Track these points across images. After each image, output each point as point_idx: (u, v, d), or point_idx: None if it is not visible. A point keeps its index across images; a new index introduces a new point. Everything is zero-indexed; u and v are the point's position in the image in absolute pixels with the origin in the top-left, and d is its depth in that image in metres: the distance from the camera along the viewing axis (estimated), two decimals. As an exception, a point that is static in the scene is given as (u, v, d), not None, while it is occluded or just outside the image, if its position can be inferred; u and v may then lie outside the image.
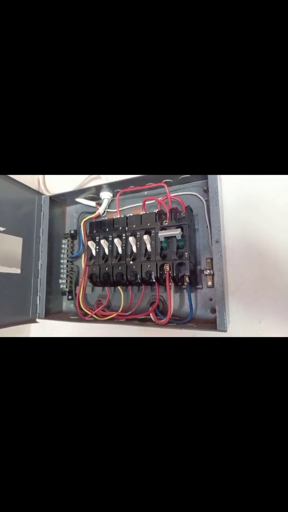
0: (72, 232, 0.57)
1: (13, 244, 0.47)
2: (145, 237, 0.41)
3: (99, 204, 0.53)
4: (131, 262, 0.42)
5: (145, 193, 0.50)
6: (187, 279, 0.41)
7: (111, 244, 0.45)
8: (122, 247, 0.43)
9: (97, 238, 0.46)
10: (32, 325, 0.60)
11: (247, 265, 0.41)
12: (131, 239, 0.42)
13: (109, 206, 0.53)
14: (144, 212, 0.45)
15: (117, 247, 0.44)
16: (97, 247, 0.46)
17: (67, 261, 0.55)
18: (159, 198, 0.44)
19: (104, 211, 0.53)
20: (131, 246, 0.43)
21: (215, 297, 0.43)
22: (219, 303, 0.36)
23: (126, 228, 0.44)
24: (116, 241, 0.43)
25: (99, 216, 0.53)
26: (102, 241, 0.44)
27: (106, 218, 0.48)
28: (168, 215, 0.42)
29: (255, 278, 0.40)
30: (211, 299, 0.43)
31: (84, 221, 0.54)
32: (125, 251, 0.43)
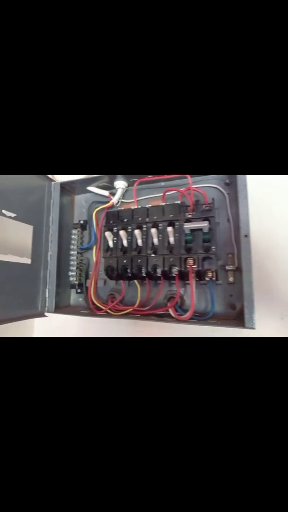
0: (81, 222, 0.54)
1: (24, 232, 0.44)
2: (169, 229, 0.39)
3: (113, 194, 0.51)
4: (153, 255, 0.41)
5: (162, 183, 0.48)
6: (209, 274, 0.39)
7: (131, 235, 0.42)
8: (142, 239, 0.41)
9: (115, 228, 0.44)
10: (36, 321, 0.58)
11: (270, 261, 0.40)
12: (153, 230, 0.40)
13: (123, 196, 0.51)
14: (164, 203, 0.43)
15: (136, 239, 0.42)
16: (115, 238, 0.44)
17: (77, 253, 0.52)
18: (182, 189, 0.43)
19: (118, 201, 0.51)
20: (152, 238, 0.41)
21: (235, 293, 0.42)
22: (248, 299, 0.35)
23: (147, 219, 0.42)
24: (137, 232, 0.41)
25: (112, 206, 0.51)
26: (121, 232, 0.42)
27: (123, 208, 0.46)
28: (191, 207, 0.41)
29: (278, 275, 0.40)
30: (231, 295, 0.43)
31: (97, 211, 0.51)
32: (146, 243, 0.41)
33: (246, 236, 0.36)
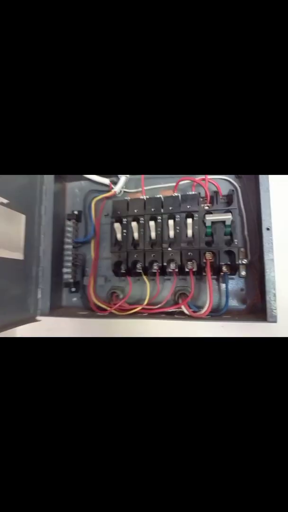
0: (76, 213, 0.48)
1: (16, 223, 0.37)
2: (189, 221, 0.37)
3: (114, 182, 0.46)
4: (169, 249, 0.38)
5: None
6: (224, 269, 0.38)
7: (143, 227, 0.39)
8: (157, 231, 0.38)
9: (125, 220, 0.39)
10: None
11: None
12: (170, 222, 0.37)
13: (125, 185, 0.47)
14: (180, 194, 0.40)
15: (150, 231, 0.38)
16: (124, 231, 0.39)
17: (72, 247, 0.46)
18: (196, 179, 0.41)
19: (121, 191, 0.46)
20: (167, 230, 0.38)
21: (248, 288, 0.41)
22: (270, 292, 0.35)
23: (162, 210, 0.39)
24: (152, 224, 0.37)
25: (114, 196, 0.46)
26: (134, 224, 0.38)
27: (129, 198, 0.42)
28: (208, 198, 0.39)
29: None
30: (242, 290, 0.42)
31: (96, 201, 0.46)
32: (161, 236, 0.38)
33: (268, 229, 0.36)
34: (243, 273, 0.41)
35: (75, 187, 0.50)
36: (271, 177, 0.37)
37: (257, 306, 0.41)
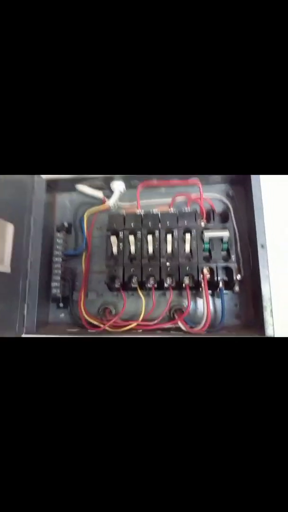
0: (66, 225, 0.46)
1: (3, 233, 0.35)
2: (187, 236, 0.37)
3: (107, 196, 0.46)
4: (168, 263, 0.37)
5: (163, 190, 0.46)
6: (220, 284, 0.39)
7: (141, 241, 0.38)
8: (155, 246, 0.38)
9: (121, 234, 0.39)
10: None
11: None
12: (168, 237, 0.37)
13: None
14: (173, 211, 0.41)
15: (147, 245, 0.38)
16: (121, 244, 0.38)
17: (62, 260, 0.44)
18: (192, 196, 0.41)
19: (115, 205, 0.46)
20: (165, 245, 0.38)
21: (241, 303, 0.42)
22: (266, 308, 0.35)
23: (160, 225, 0.38)
24: (150, 238, 0.37)
25: (108, 209, 0.45)
26: (131, 238, 0.37)
27: (124, 212, 0.41)
28: (205, 215, 0.40)
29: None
30: (236, 305, 0.43)
31: (89, 214, 0.45)
32: (159, 250, 0.38)
33: (263, 246, 0.37)
34: (237, 288, 0.41)
35: (66, 199, 0.49)
36: (264, 193, 0.39)
37: (251, 320, 0.41)
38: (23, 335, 0.38)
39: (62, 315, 0.45)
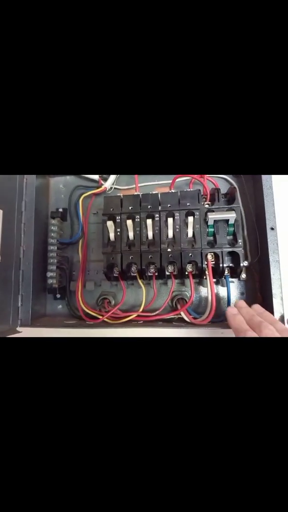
0: (61, 210, 0.44)
1: (-9, 219, 0.32)
2: (190, 219, 0.34)
3: (104, 179, 0.43)
4: (169, 250, 0.34)
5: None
6: (226, 271, 0.36)
7: (139, 226, 0.35)
8: (154, 230, 0.35)
9: (118, 218, 0.36)
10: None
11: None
12: (170, 221, 0.34)
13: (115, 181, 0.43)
14: (172, 191, 0.37)
15: (146, 231, 0.35)
16: (118, 230, 0.36)
17: (57, 248, 0.41)
18: (195, 175, 0.38)
19: (111, 187, 0.43)
20: (166, 229, 0.35)
21: (248, 290, 0.39)
22: (276, 296, 0.33)
23: (159, 208, 0.35)
24: (149, 222, 0.34)
25: (104, 192, 0.42)
26: (129, 222, 0.34)
27: (121, 194, 0.38)
28: (209, 196, 0.36)
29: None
30: (242, 293, 0.40)
31: (84, 198, 0.42)
32: (160, 235, 0.35)
33: (272, 228, 0.34)
34: (244, 276, 0.38)
35: (60, 182, 0.46)
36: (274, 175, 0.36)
37: (258, 310, 0.38)
38: (18, 328, 0.36)
39: (60, 306, 0.43)
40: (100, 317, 0.37)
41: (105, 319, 0.37)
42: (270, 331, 0.23)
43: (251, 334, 0.24)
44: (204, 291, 0.40)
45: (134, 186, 0.41)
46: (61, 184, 0.45)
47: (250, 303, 0.39)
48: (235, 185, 0.40)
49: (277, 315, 0.32)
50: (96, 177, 0.43)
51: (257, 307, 0.30)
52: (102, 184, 0.42)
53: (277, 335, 0.23)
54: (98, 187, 0.42)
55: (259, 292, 0.39)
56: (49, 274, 0.40)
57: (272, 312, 0.33)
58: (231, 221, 0.33)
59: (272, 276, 0.33)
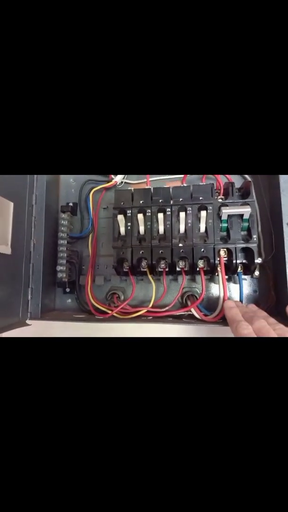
0: (71, 204, 0.43)
1: (2, 211, 0.32)
2: (202, 213, 0.33)
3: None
4: (180, 245, 0.34)
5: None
6: (239, 268, 0.35)
7: (150, 220, 0.35)
8: (166, 225, 0.34)
9: (129, 212, 0.35)
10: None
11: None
12: (182, 215, 0.33)
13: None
14: (184, 185, 0.36)
15: (157, 225, 0.34)
16: (129, 224, 0.35)
17: (67, 243, 0.41)
18: (208, 170, 0.37)
19: (122, 181, 0.42)
20: (178, 224, 0.34)
21: (261, 289, 0.38)
22: (291, 294, 0.31)
23: (171, 202, 0.35)
24: (160, 217, 0.33)
25: (115, 186, 0.42)
26: (140, 216, 0.34)
27: (131, 188, 0.38)
28: (222, 190, 0.35)
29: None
30: (255, 291, 0.39)
31: (94, 192, 0.42)
32: (171, 230, 0.34)
33: (288, 224, 0.33)
34: (257, 273, 0.37)
35: (70, 176, 0.45)
36: None
37: (271, 308, 0.37)
38: (28, 321, 0.37)
39: (69, 300, 0.43)
40: (110, 311, 0.37)
41: (114, 314, 0.37)
42: (261, 323, 0.26)
43: (244, 324, 0.26)
44: (215, 288, 0.39)
45: (145, 180, 0.40)
46: (71, 179, 0.45)
47: (263, 301, 0.38)
48: (249, 178, 0.39)
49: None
50: (106, 171, 0.42)
51: (251, 306, 0.34)
52: (112, 179, 0.42)
53: (267, 327, 0.26)
54: (108, 181, 0.42)
55: (273, 290, 0.37)
56: (59, 268, 0.40)
57: (284, 310, 0.31)
58: (246, 216, 0.32)
59: None
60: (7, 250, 0.32)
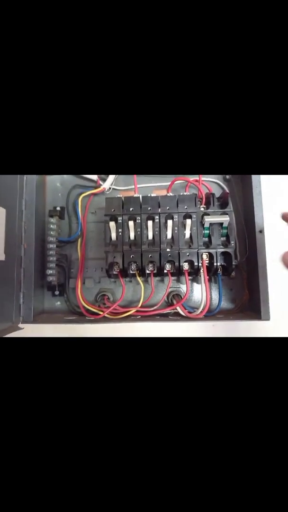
0: (59, 209, 0.44)
1: (-5, 218, 0.33)
2: (188, 221, 0.36)
3: (102, 179, 0.44)
4: (168, 250, 0.37)
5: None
6: (219, 270, 0.39)
7: (140, 227, 0.37)
8: (155, 231, 0.37)
9: (120, 218, 0.37)
10: None
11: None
12: (169, 222, 0.36)
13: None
14: (171, 194, 0.40)
15: (147, 231, 0.37)
16: (120, 230, 0.37)
17: (56, 246, 0.42)
18: (190, 179, 0.41)
19: (110, 188, 0.44)
20: (165, 231, 0.37)
21: (236, 287, 0.43)
22: (263, 292, 0.37)
23: (159, 210, 0.38)
24: (150, 224, 0.36)
25: (103, 192, 0.44)
26: (131, 223, 0.36)
27: (122, 195, 0.40)
28: (204, 199, 0.39)
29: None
30: (231, 289, 0.44)
31: (83, 197, 0.43)
32: (159, 236, 0.37)
33: (261, 232, 0.38)
34: (233, 273, 0.42)
35: (57, 180, 0.46)
36: (263, 178, 0.39)
37: (245, 304, 0.43)
38: (20, 325, 0.37)
39: (58, 303, 0.44)
40: (101, 312, 0.39)
41: (107, 316, 0.39)
42: None
43: None
44: (197, 287, 0.43)
45: (132, 187, 0.43)
46: (58, 183, 0.46)
47: (238, 297, 0.43)
48: (226, 189, 0.44)
49: (263, 310, 0.36)
50: (94, 177, 0.44)
51: None
52: (100, 185, 0.43)
53: None
54: (96, 187, 0.43)
55: (247, 288, 0.42)
56: (48, 271, 0.41)
57: (258, 305, 0.36)
58: (225, 224, 0.36)
59: (260, 276, 0.37)
60: (1, 256, 0.33)
